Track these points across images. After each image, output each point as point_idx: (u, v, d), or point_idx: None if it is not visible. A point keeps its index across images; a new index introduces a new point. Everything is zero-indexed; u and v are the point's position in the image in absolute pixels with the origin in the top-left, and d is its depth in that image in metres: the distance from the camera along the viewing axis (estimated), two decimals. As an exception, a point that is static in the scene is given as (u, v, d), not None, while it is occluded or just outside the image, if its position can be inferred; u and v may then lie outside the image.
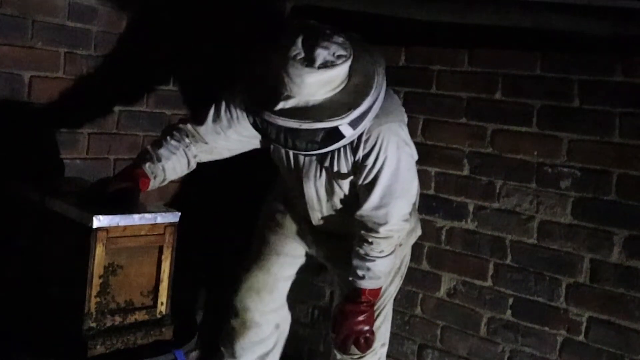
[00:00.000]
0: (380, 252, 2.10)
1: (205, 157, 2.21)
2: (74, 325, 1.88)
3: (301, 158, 2.15)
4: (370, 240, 2.08)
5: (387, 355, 2.52)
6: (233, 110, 2.11)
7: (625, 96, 2.27)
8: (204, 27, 2.81)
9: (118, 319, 1.95)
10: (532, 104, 2.46)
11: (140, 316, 2.00)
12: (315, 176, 2.15)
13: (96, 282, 1.88)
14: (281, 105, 1.80)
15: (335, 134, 1.85)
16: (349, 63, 1.84)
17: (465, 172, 2.64)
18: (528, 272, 2.49)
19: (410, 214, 2.21)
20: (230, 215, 3.08)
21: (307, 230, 2.38)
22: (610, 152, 2.30)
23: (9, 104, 2.28)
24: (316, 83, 1.79)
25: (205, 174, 2.36)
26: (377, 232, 2.07)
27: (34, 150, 2.37)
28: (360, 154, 2.01)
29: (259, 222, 2.51)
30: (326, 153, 2.06)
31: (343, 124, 1.82)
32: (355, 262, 2.12)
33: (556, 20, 2.21)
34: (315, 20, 1.99)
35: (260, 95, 1.86)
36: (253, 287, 2.41)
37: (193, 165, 2.19)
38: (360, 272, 2.12)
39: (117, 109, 2.62)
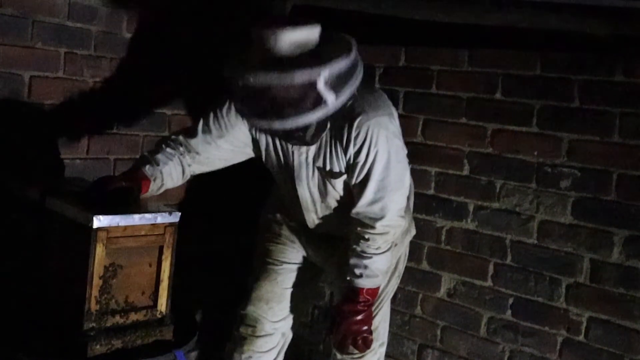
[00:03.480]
0: (377, 249, 2.10)
1: (198, 169, 2.24)
2: (74, 325, 1.88)
3: (291, 159, 2.15)
4: (366, 237, 2.08)
5: (387, 355, 2.52)
6: (221, 119, 2.16)
7: (625, 96, 2.27)
8: (204, 27, 2.81)
9: (118, 319, 1.94)
10: (532, 104, 2.47)
11: (140, 316, 2.00)
12: (308, 177, 2.15)
13: (96, 282, 1.87)
14: (259, 64, 1.83)
15: (318, 99, 1.82)
16: (317, 28, 1.88)
17: (465, 172, 2.65)
18: (528, 272, 2.49)
19: (405, 211, 2.22)
20: (230, 215, 3.08)
21: (303, 236, 2.38)
22: (610, 152, 2.30)
23: (9, 104, 2.28)
24: (290, 42, 1.82)
25: (206, 174, 2.35)
26: (373, 227, 2.07)
27: (34, 150, 2.37)
28: (352, 150, 2.02)
29: (257, 233, 2.50)
30: (318, 152, 2.08)
31: (321, 78, 1.80)
32: (353, 260, 2.12)
33: (556, 20, 2.21)
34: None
35: (242, 67, 1.88)
36: (262, 298, 2.39)
37: (187, 175, 2.22)
38: (357, 271, 2.12)
39: (117, 109, 2.62)
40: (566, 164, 2.40)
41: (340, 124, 2.00)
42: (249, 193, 2.88)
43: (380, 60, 2.84)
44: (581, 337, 2.37)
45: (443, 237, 2.71)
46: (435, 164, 2.72)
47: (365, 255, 2.10)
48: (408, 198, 2.34)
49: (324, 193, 2.18)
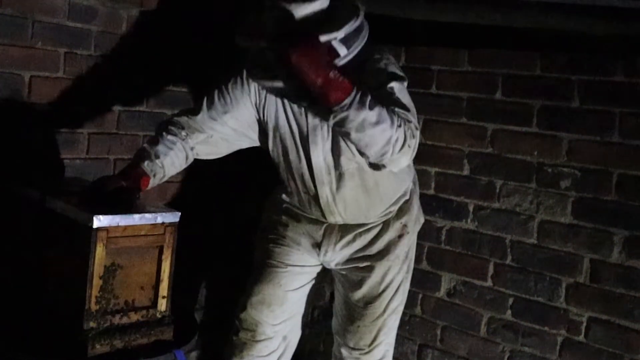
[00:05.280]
0: (404, 140, 1.90)
1: (203, 150, 2.19)
2: (74, 325, 1.88)
3: (305, 123, 2.08)
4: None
5: (387, 355, 2.52)
6: (226, 95, 2.15)
7: (625, 96, 2.27)
8: (204, 27, 2.81)
9: (118, 319, 1.94)
10: (532, 104, 2.47)
11: (140, 316, 2.00)
12: (323, 138, 2.08)
13: (96, 282, 1.87)
14: (275, 31, 1.87)
15: (331, 52, 1.89)
16: None
17: (465, 172, 2.65)
18: (528, 272, 2.49)
19: (413, 196, 2.28)
20: (230, 215, 3.08)
21: (316, 236, 2.32)
22: (610, 152, 2.30)
23: (9, 104, 2.28)
24: (304, 14, 1.85)
25: (205, 174, 2.36)
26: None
27: (34, 150, 2.37)
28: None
29: (258, 234, 2.45)
30: None
31: (338, 38, 1.89)
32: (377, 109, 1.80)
33: (556, 20, 2.21)
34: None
35: (257, 34, 1.92)
36: (264, 302, 2.35)
37: (191, 159, 2.18)
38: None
39: (117, 109, 2.62)
40: (566, 164, 2.40)
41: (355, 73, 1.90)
42: (249, 193, 2.88)
43: (380, 60, 2.84)
44: (581, 337, 2.37)
45: (443, 237, 2.71)
46: (435, 164, 2.72)
47: (395, 123, 1.85)
48: (415, 183, 2.37)
49: (337, 155, 2.09)
